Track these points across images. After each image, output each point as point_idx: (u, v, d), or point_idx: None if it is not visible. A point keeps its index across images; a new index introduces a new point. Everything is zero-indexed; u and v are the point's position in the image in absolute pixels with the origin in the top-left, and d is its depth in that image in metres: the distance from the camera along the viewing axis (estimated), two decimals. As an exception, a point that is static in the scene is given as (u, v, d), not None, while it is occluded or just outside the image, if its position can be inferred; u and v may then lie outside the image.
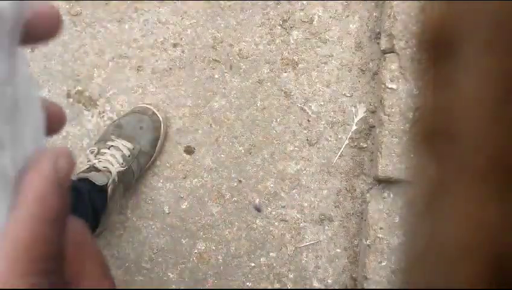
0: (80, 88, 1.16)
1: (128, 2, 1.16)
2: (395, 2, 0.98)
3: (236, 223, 1.10)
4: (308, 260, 1.08)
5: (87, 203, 0.91)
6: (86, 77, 1.16)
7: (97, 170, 0.96)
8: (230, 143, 1.11)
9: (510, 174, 0.12)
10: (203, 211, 1.11)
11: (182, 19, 1.14)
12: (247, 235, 1.09)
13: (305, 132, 1.09)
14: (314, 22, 1.11)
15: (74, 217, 0.21)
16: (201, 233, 1.11)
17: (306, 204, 1.08)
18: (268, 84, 1.11)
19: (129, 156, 1.02)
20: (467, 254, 0.12)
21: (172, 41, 1.14)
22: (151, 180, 1.12)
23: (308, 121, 1.09)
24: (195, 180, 1.11)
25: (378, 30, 1.09)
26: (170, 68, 1.14)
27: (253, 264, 1.09)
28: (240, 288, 1.09)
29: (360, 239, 1.05)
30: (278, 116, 1.10)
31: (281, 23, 1.12)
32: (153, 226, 1.12)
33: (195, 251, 1.10)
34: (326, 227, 1.08)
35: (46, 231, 0.18)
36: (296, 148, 1.09)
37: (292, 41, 1.11)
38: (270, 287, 1.08)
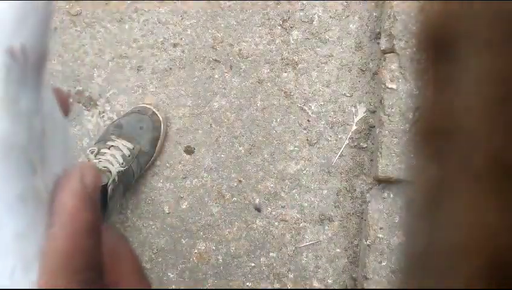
0: (80, 88, 1.16)
1: (128, 2, 1.16)
2: (395, 2, 0.98)
3: (236, 223, 1.10)
4: (308, 260, 1.08)
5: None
6: (86, 77, 1.16)
7: (97, 170, 0.96)
8: (230, 143, 1.11)
9: (510, 174, 0.12)
10: (203, 211, 1.11)
11: (182, 19, 1.14)
12: (247, 235, 1.10)
13: (305, 132, 1.09)
14: (314, 22, 1.11)
15: (110, 226, 0.22)
16: (201, 233, 1.11)
17: (306, 204, 1.08)
18: (268, 84, 1.11)
19: (129, 156, 1.02)
20: (467, 254, 0.12)
21: (172, 41, 1.14)
22: (151, 180, 1.12)
23: (308, 121, 1.09)
24: (195, 180, 1.11)
25: (378, 30, 1.09)
26: (170, 68, 1.14)
27: (253, 264, 1.09)
28: (240, 288, 1.09)
29: (360, 239, 1.05)
30: (278, 116, 1.10)
31: (281, 23, 1.12)
32: (153, 226, 1.12)
33: (195, 251, 1.10)
34: (326, 227, 1.08)
35: (83, 243, 0.19)
36: (296, 148, 1.09)
37: (292, 41, 1.11)
38: (270, 287, 1.08)
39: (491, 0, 0.12)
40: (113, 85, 1.15)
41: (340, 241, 1.07)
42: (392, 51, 0.99)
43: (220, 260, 1.10)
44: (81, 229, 0.19)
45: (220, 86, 1.12)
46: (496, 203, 0.12)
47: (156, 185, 1.12)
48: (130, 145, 1.03)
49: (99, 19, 1.16)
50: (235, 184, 1.10)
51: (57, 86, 0.23)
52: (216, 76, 1.12)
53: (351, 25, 1.10)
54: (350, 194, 1.07)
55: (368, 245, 0.97)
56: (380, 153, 0.97)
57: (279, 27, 1.12)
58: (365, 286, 0.96)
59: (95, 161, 0.98)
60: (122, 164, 0.99)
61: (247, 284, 1.09)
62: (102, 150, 1.00)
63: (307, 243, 1.08)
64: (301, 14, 1.11)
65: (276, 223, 1.09)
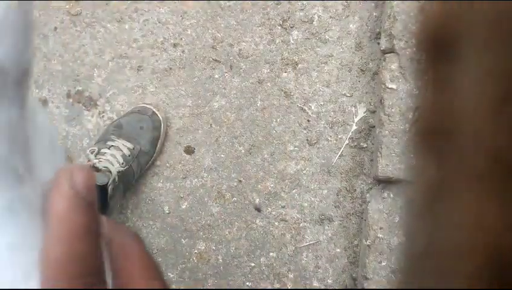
0: (80, 88, 1.16)
1: (128, 2, 1.16)
2: (395, 2, 0.98)
3: (236, 223, 1.10)
4: (308, 260, 1.08)
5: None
6: (86, 77, 1.16)
7: (97, 169, 0.96)
8: (230, 143, 1.11)
9: (510, 174, 0.12)
10: (203, 211, 1.11)
11: (182, 19, 1.14)
12: (247, 235, 1.09)
13: (305, 132, 1.09)
14: (314, 22, 1.11)
15: (121, 224, 0.21)
16: (201, 233, 1.11)
17: (306, 204, 1.08)
18: (268, 84, 1.11)
19: (129, 156, 1.02)
20: (468, 254, 0.12)
21: (172, 41, 1.14)
22: (151, 180, 1.12)
23: (308, 121, 1.09)
24: (195, 180, 1.11)
25: (378, 30, 1.09)
26: (170, 68, 1.14)
27: (253, 264, 1.09)
28: (240, 288, 1.09)
29: (360, 239, 1.05)
30: (278, 116, 1.10)
31: (281, 23, 1.12)
32: (153, 226, 1.12)
33: (195, 251, 1.10)
34: (326, 227, 1.08)
35: (77, 248, 0.18)
36: (296, 148, 1.09)
37: (292, 41, 1.11)
38: (270, 287, 1.08)
39: (491, 0, 0.12)
40: (113, 85, 1.15)
41: (340, 241, 1.07)
42: (392, 51, 0.99)
43: (220, 260, 1.10)
44: (73, 233, 0.18)
45: (220, 86, 1.12)
46: (496, 203, 0.12)
47: (156, 185, 1.12)
48: (130, 145, 1.03)
49: (99, 19, 1.16)
50: (235, 184, 1.10)
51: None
52: (216, 76, 1.12)
53: (351, 25, 1.10)
54: (350, 194, 1.07)
55: (368, 245, 0.97)
56: (380, 153, 0.97)
57: (279, 27, 1.12)
58: (365, 286, 0.96)
59: (95, 160, 0.98)
60: (123, 163, 0.99)
61: (247, 284, 1.09)
62: (103, 150, 1.00)
63: (307, 243, 1.08)
64: (301, 14, 1.11)
65: (276, 223, 1.09)
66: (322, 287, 1.07)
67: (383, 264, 0.95)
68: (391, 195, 0.98)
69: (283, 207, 1.09)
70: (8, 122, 0.18)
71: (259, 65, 1.11)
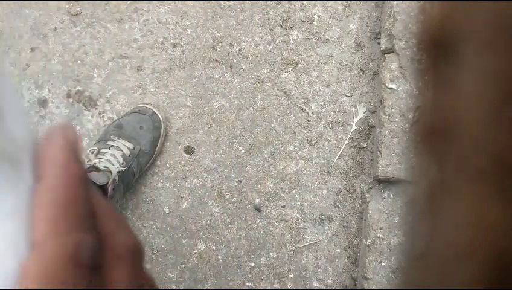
0: (80, 88, 1.16)
1: (128, 2, 1.16)
2: (395, 2, 0.98)
3: (236, 223, 1.10)
4: (308, 260, 1.08)
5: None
6: (86, 77, 1.16)
7: (97, 169, 0.96)
8: (230, 143, 1.11)
9: (510, 174, 0.12)
10: (203, 211, 1.11)
11: (182, 19, 1.14)
12: (247, 235, 1.09)
13: (305, 132, 1.09)
14: (314, 22, 1.11)
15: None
16: (201, 233, 1.11)
17: (306, 204, 1.08)
18: (268, 84, 1.11)
19: (129, 155, 1.02)
20: (468, 254, 0.12)
21: (172, 41, 1.14)
22: (151, 180, 1.12)
23: (308, 121, 1.09)
24: (195, 180, 1.11)
25: (378, 30, 1.09)
26: (170, 68, 1.14)
27: (253, 264, 1.09)
28: (240, 288, 1.09)
29: (360, 239, 1.05)
30: (278, 116, 1.10)
31: (281, 23, 1.12)
32: (153, 226, 1.12)
33: (195, 251, 1.10)
34: (326, 227, 1.07)
35: (78, 193, 0.20)
36: (296, 148, 1.09)
37: (292, 41, 1.11)
38: (270, 287, 1.08)
39: (491, 0, 0.12)
40: (113, 85, 1.15)
41: (340, 241, 1.07)
42: (392, 51, 0.99)
43: (220, 260, 1.10)
44: (75, 179, 0.20)
45: (220, 86, 1.12)
46: (497, 203, 0.12)
47: (156, 185, 1.12)
48: (130, 145, 1.03)
49: (99, 19, 1.16)
50: (235, 184, 1.10)
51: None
52: (216, 76, 1.12)
53: (351, 25, 1.10)
54: (350, 194, 1.07)
55: (368, 245, 0.97)
56: (380, 153, 0.97)
57: (279, 27, 1.12)
58: (365, 286, 0.96)
59: (95, 160, 0.98)
60: (123, 163, 0.99)
61: (247, 284, 1.09)
62: (103, 150, 1.00)
63: (307, 243, 1.08)
64: (301, 14, 1.11)
65: (276, 223, 1.09)
66: (322, 287, 1.07)
67: (383, 264, 0.95)
68: (391, 195, 0.98)
69: (283, 207, 1.09)
70: None
71: (259, 65, 1.11)
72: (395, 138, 0.96)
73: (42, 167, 0.20)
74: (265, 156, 1.10)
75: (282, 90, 1.10)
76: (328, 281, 1.07)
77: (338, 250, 1.07)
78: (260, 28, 1.12)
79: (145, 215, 1.12)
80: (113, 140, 1.02)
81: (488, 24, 0.12)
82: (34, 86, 1.17)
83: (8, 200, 0.19)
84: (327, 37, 1.10)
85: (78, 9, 1.17)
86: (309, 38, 1.11)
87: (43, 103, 1.16)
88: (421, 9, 0.14)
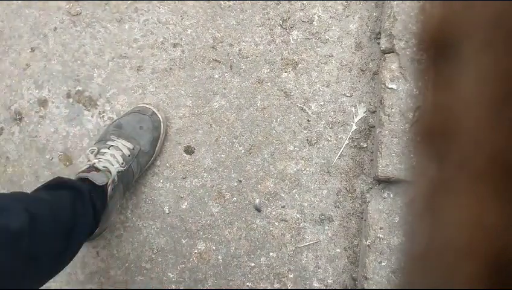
0: (80, 88, 1.16)
1: (128, 2, 1.16)
2: (395, 2, 0.98)
3: (236, 223, 1.10)
4: (308, 260, 1.08)
5: (88, 203, 0.91)
6: (86, 77, 1.16)
7: (97, 169, 0.96)
8: (230, 143, 1.11)
9: (509, 174, 0.12)
10: (203, 211, 1.11)
11: (182, 19, 1.14)
12: (247, 235, 1.09)
13: (305, 132, 1.09)
14: (314, 22, 1.11)
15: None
16: (201, 233, 1.11)
17: (306, 204, 1.08)
18: (268, 84, 1.11)
19: (129, 156, 1.02)
20: (467, 254, 0.12)
21: (172, 41, 1.14)
22: (151, 180, 1.12)
23: (308, 121, 1.09)
24: (195, 180, 1.11)
25: (378, 30, 1.09)
26: (170, 68, 1.14)
27: (253, 264, 1.09)
28: (240, 288, 1.09)
29: (360, 239, 1.05)
30: (278, 116, 1.10)
31: (281, 23, 1.12)
32: (153, 226, 1.12)
33: (195, 251, 1.10)
34: (326, 227, 1.08)
35: None
36: (296, 148, 1.09)
37: (292, 41, 1.11)
38: (270, 287, 1.08)
39: (491, 0, 0.12)
40: (113, 85, 1.15)
41: (340, 241, 1.07)
42: (392, 51, 0.99)
43: (220, 260, 1.10)
44: None
45: (220, 86, 1.12)
46: (496, 203, 0.12)
47: (156, 185, 1.12)
48: (130, 145, 1.03)
49: (99, 19, 1.16)
50: (235, 184, 1.10)
51: None
52: (216, 76, 1.12)
53: (351, 25, 1.10)
54: (350, 194, 1.07)
55: (368, 245, 0.97)
56: (380, 153, 0.97)
57: (279, 27, 1.12)
58: (365, 286, 0.96)
59: (95, 160, 0.98)
60: (122, 164, 0.99)
61: (247, 284, 1.09)
62: (102, 150, 1.00)
63: (307, 243, 1.08)
64: (301, 14, 1.11)
65: (276, 223, 1.09)
66: (322, 287, 1.07)
67: (383, 264, 0.95)
68: (391, 195, 0.98)
69: (283, 207, 1.09)
70: None
71: (259, 65, 1.11)
72: (395, 138, 0.96)
73: None
74: (265, 156, 1.10)
75: (282, 90, 1.10)
76: (328, 281, 1.07)
77: (338, 250, 1.07)
78: (260, 28, 1.12)
79: (145, 215, 1.12)
80: (112, 140, 1.02)
81: (488, 24, 0.12)
82: (34, 86, 1.17)
83: None
84: (327, 37, 1.10)
85: (78, 9, 1.17)
86: (309, 38, 1.11)
87: (43, 102, 1.16)
88: (421, 9, 0.14)
